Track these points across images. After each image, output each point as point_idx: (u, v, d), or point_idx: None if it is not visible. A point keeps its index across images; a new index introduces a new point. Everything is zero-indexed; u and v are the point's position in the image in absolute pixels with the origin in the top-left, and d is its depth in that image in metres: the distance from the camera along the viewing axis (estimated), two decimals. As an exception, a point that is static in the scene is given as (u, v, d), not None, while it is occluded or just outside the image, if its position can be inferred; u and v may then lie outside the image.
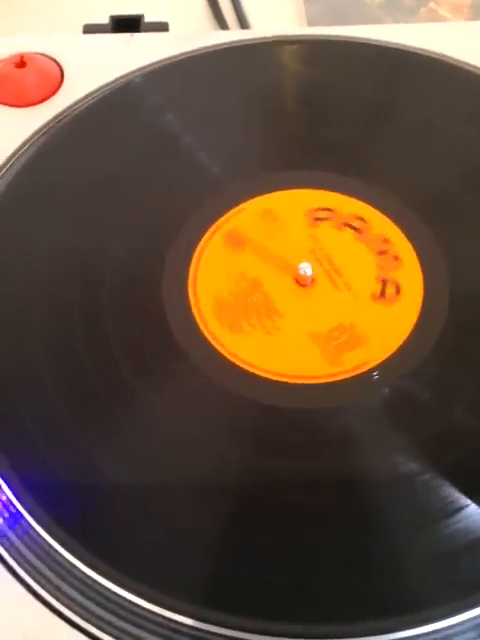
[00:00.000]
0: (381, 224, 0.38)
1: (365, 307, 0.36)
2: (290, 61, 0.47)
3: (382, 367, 0.34)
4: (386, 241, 0.38)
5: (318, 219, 0.39)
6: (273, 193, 0.40)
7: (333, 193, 0.40)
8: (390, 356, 0.34)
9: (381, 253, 0.37)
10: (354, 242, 0.38)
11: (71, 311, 0.36)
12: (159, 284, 0.37)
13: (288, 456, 0.32)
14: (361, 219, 0.39)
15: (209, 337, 0.35)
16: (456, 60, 0.45)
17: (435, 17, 0.58)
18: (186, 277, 0.37)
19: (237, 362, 0.34)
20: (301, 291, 0.36)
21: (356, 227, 0.38)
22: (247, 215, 0.39)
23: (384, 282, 0.37)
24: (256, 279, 0.37)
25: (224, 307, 0.36)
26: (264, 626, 0.29)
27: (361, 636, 0.28)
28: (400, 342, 0.34)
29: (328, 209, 0.39)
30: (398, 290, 0.36)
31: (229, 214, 0.39)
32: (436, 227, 0.38)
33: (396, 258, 0.37)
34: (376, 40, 0.46)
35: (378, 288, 0.37)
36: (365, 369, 0.34)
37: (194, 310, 0.36)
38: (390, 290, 0.37)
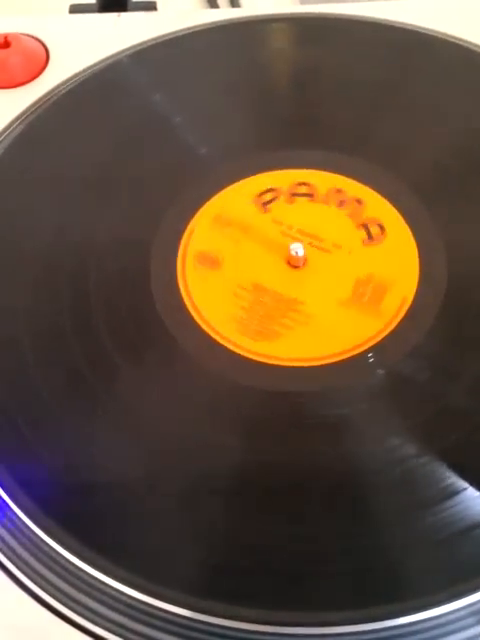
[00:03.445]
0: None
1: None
2: (282, 40, 0.46)
3: (378, 348, 0.33)
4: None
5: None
6: (263, 173, 0.39)
7: (322, 172, 0.39)
8: (386, 336, 0.33)
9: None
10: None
11: (58, 298, 0.35)
12: (147, 269, 0.36)
13: (282, 441, 0.31)
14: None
15: (199, 321, 0.34)
16: (453, 37, 0.44)
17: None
18: (175, 260, 0.36)
19: (231, 347, 0.34)
20: (293, 273, 0.36)
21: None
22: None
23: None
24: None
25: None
26: (259, 615, 0.28)
27: (357, 623, 0.28)
28: (397, 322, 0.34)
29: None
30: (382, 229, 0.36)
31: (217, 196, 0.38)
32: (433, 207, 0.37)
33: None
34: (371, 18, 0.46)
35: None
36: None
37: (183, 293, 0.35)
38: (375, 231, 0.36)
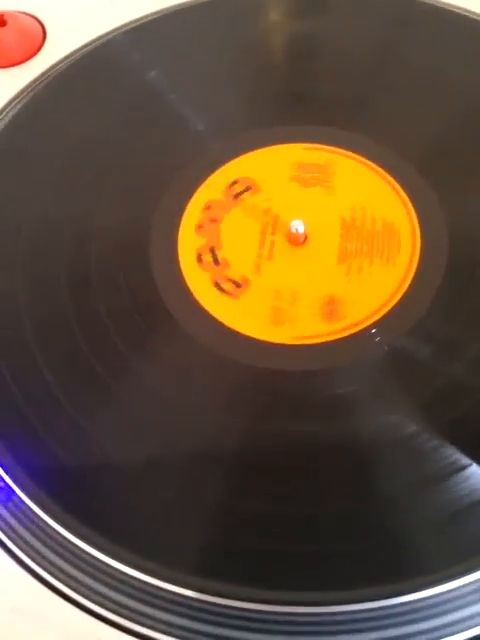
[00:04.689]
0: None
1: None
2: (281, 12, 0.46)
3: (380, 324, 0.33)
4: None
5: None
6: (263, 149, 0.38)
7: (323, 146, 0.38)
8: (388, 313, 0.33)
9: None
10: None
11: (57, 278, 0.35)
12: (147, 247, 0.36)
13: (285, 420, 0.31)
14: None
15: (201, 301, 0.34)
16: (450, 5, 0.43)
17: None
18: (175, 239, 0.36)
19: (232, 326, 0.33)
20: (294, 250, 0.35)
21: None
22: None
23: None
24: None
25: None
26: (261, 595, 0.28)
27: (361, 602, 0.27)
28: (398, 298, 0.33)
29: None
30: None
31: (217, 173, 0.38)
32: (433, 180, 0.36)
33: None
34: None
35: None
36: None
37: (184, 273, 0.35)
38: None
